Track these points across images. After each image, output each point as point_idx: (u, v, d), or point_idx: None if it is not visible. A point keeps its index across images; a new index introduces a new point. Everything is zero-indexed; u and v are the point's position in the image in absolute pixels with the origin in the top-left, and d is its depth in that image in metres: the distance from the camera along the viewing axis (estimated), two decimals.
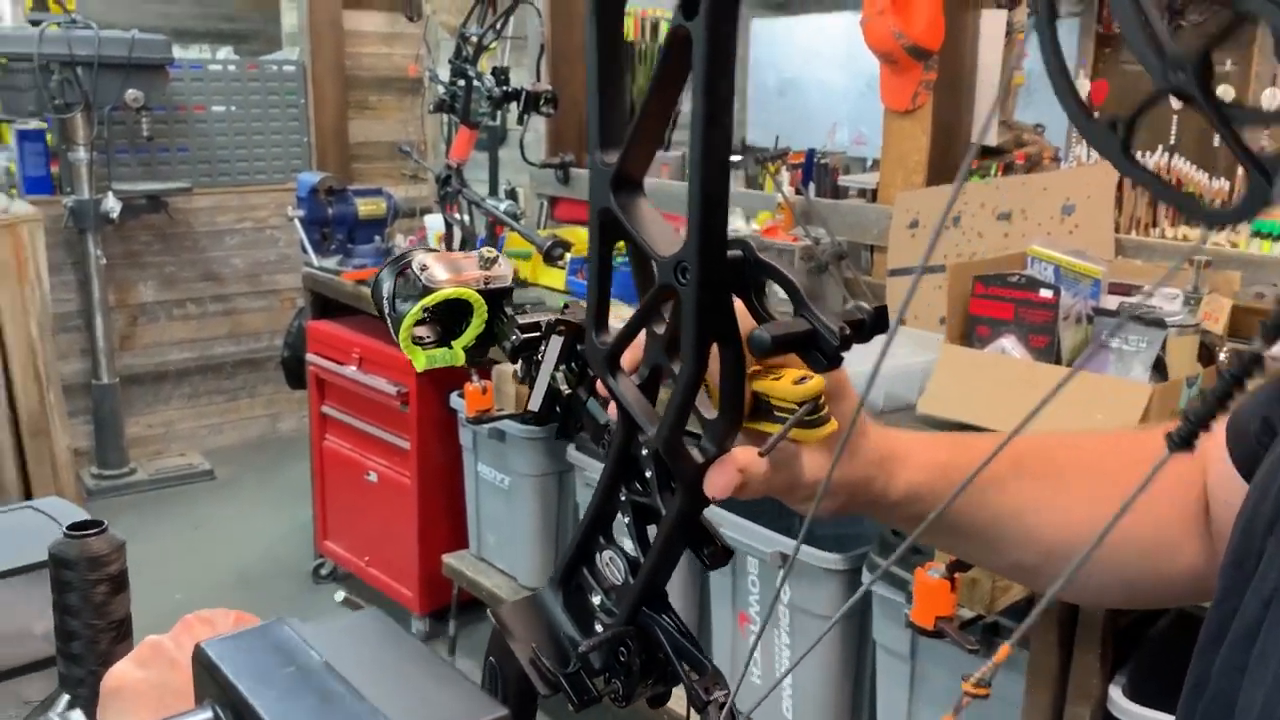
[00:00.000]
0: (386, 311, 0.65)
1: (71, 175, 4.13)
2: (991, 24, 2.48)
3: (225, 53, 5.21)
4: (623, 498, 0.59)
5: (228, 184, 4.72)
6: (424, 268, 0.63)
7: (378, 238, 3.40)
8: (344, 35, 4.92)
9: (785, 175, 3.37)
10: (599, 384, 0.58)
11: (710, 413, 0.54)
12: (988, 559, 0.79)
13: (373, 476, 3.26)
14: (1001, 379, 1.86)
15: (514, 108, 2.34)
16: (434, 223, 3.14)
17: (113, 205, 4.13)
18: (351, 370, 3.22)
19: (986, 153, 2.84)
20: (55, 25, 3.94)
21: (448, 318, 0.66)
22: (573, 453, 2.57)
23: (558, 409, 0.70)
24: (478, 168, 3.68)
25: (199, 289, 4.72)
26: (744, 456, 0.55)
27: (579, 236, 3.24)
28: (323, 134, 4.93)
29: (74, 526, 0.81)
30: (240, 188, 4.75)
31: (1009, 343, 1.92)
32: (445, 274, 0.63)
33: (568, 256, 2.53)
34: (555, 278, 3.06)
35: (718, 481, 0.54)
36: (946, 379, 1.91)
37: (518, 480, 2.75)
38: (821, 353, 0.49)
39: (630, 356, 0.56)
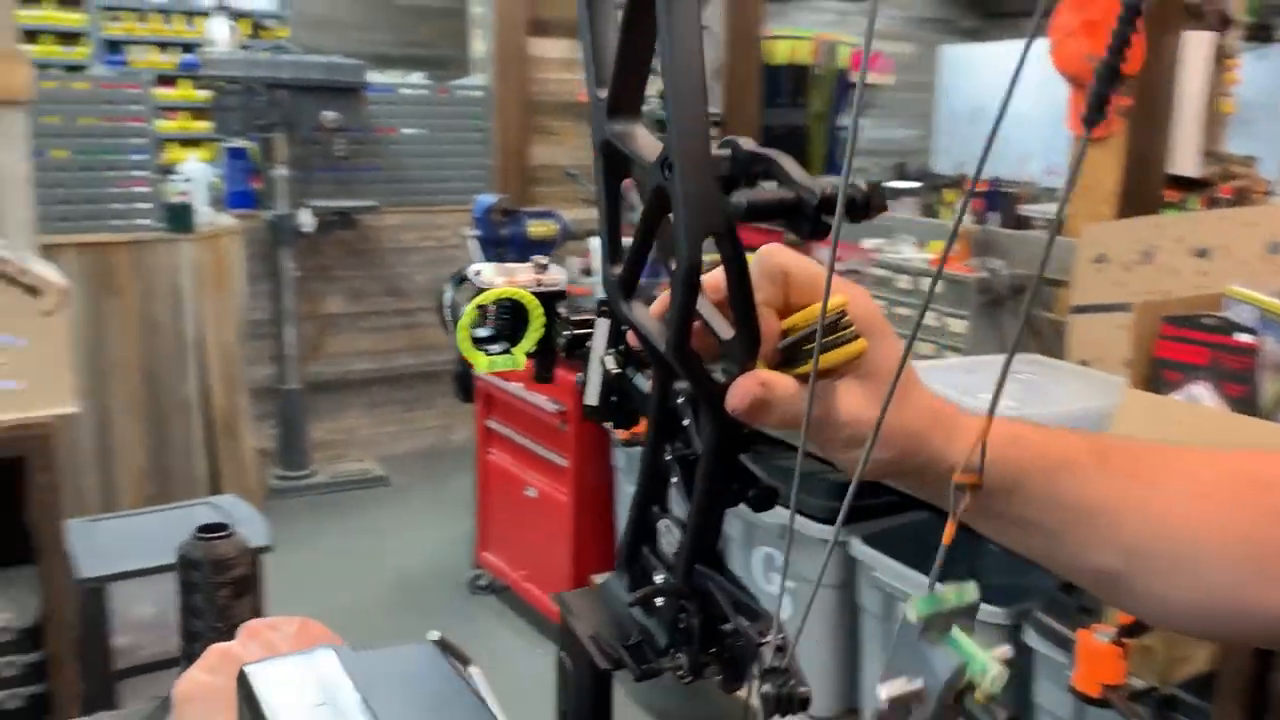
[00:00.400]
0: (446, 320, 0.65)
1: (271, 191, 4.39)
2: (1196, 47, 2.30)
3: (418, 77, 5.44)
4: (668, 456, 0.56)
5: (414, 203, 4.91)
6: (478, 273, 0.63)
7: (547, 258, 3.45)
8: (528, 62, 5.05)
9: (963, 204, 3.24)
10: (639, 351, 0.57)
11: (728, 333, 0.53)
12: (1060, 559, 0.67)
13: (532, 492, 3.30)
14: (1192, 429, 1.71)
15: None
16: (598, 247, 3.15)
17: (306, 220, 4.36)
18: (517, 387, 3.27)
19: (1188, 184, 2.64)
20: (263, 51, 4.20)
21: (510, 324, 0.65)
22: None
23: (613, 399, 0.65)
24: None
25: (383, 302, 4.92)
26: (768, 372, 0.53)
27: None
28: (505, 157, 5.07)
29: (203, 529, 0.83)
30: (425, 207, 4.93)
31: (1201, 390, 1.76)
32: (498, 277, 0.63)
33: None
34: None
35: (739, 392, 0.52)
36: (1129, 427, 1.77)
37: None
38: (804, 216, 0.48)
39: (661, 306, 0.54)
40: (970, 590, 0.41)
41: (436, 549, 4.03)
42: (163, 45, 5.59)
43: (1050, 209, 2.62)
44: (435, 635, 0.70)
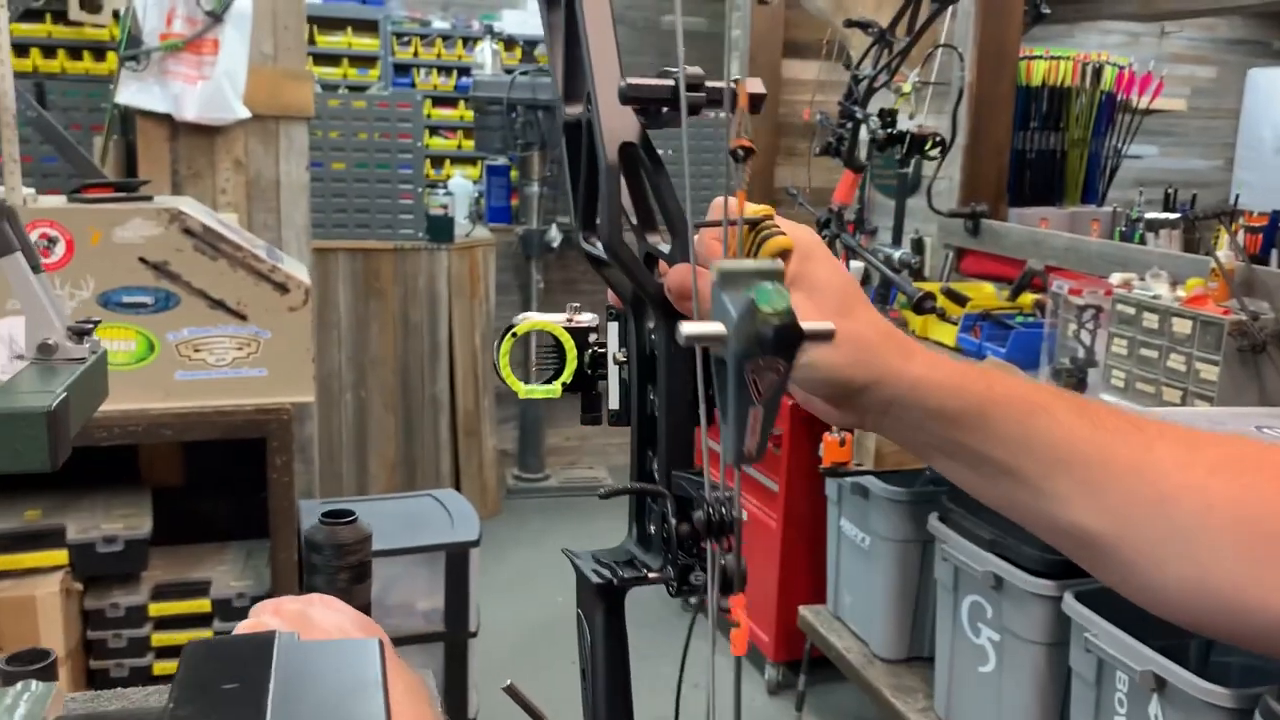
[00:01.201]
0: (494, 361, 0.70)
1: (526, 207, 4.61)
2: None
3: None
4: (651, 396, 0.61)
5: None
6: (515, 319, 0.69)
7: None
8: (781, 83, 5.04)
9: (1240, 238, 2.94)
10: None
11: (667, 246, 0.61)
12: (1034, 511, 0.60)
13: (743, 514, 3.27)
14: None
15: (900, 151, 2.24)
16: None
17: (555, 235, 4.54)
18: None
19: None
20: (524, 74, 4.42)
21: (556, 360, 0.68)
22: (934, 522, 2.40)
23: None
24: (885, 214, 3.59)
25: None
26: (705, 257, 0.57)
27: (983, 292, 3.04)
28: (753, 177, 5.08)
29: (329, 515, 0.88)
30: None
31: None
32: (533, 315, 0.68)
33: (958, 311, 2.37)
34: (947, 333, 2.89)
35: (673, 274, 0.58)
36: None
37: (878, 542, 2.62)
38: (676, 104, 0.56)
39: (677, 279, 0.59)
40: (771, 261, 0.49)
41: None
42: (443, 69, 6.00)
43: None
44: (507, 683, 0.76)
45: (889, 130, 2.17)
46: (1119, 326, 2.43)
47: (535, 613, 3.61)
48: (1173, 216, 2.61)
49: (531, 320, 0.67)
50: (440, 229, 4.12)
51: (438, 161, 5.61)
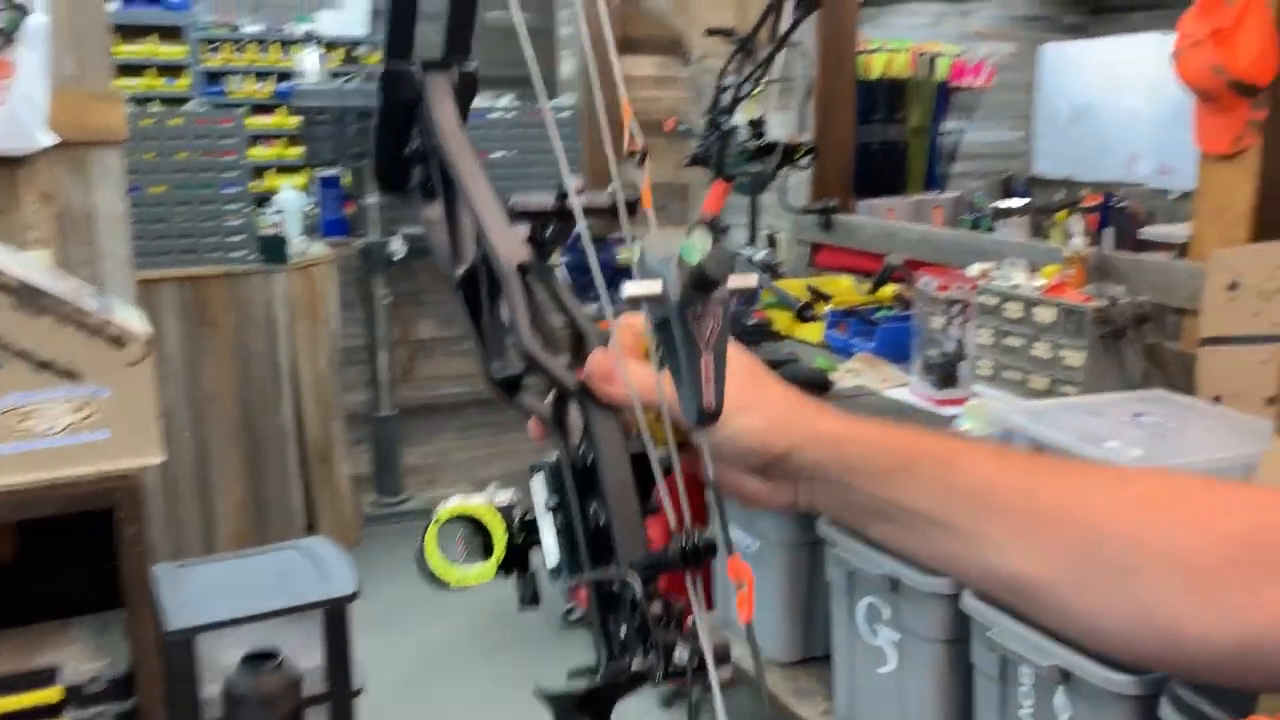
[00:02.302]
0: (421, 558, 0.66)
1: (363, 219, 4.40)
2: None
3: (507, 100, 5.41)
4: (594, 508, 0.61)
5: None
6: (437, 507, 0.66)
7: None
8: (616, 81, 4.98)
9: (1079, 222, 3.06)
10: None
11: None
12: (964, 560, 0.61)
13: None
14: None
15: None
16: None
17: (398, 248, 4.36)
18: None
19: None
20: (354, 79, 4.21)
21: (479, 542, 0.66)
22: (824, 525, 2.39)
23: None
24: (738, 211, 3.58)
25: None
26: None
27: (842, 286, 3.06)
28: (594, 178, 5.01)
29: (250, 658, 0.75)
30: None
31: None
32: (454, 499, 0.66)
33: (822, 308, 2.37)
34: (812, 331, 2.90)
35: (592, 361, 0.61)
36: (1275, 480, 1.60)
37: (768, 546, 2.60)
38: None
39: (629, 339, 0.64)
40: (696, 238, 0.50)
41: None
42: (259, 75, 5.68)
43: (1173, 231, 2.43)
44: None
45: (759, 141, 2.14)
46: (982, 317, 2.48)
47: (415, 648, 3.46)
48: (1019, 204, 2.67)
49: (453, 507, 0.65)
50: (273, 250, 3.88)
51: (259, 172, 5.31)
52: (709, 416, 0.50)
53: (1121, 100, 6.76)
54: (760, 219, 3.52)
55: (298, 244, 4.04)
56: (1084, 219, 3.07)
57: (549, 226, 0.67)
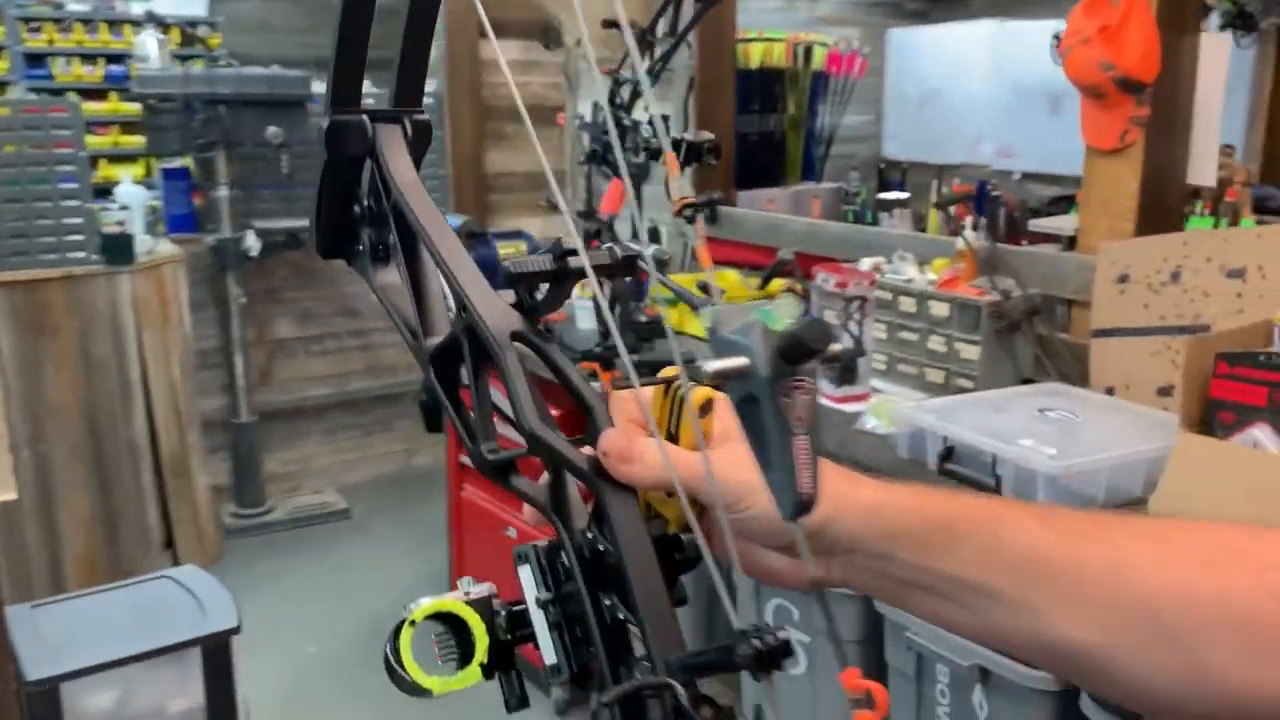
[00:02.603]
0: (393, 665, 0.60)
1: (214, 213, 4.13)
2: (1213, 50, 2.17)
3: (365, 86, 5.17)
4: (608, 601, 0.56)
5: None
6: (408, 606, 0.60)
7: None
8: (480, 65, 4.83)
9: (969, 215, 3.10)
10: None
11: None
12: (1011, 630, 0.59)
13: (512, 533, 3.11)
14: (1256, 478, 1.57)
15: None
16: None
17: (253, 243, 4.11)
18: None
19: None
20: (199, 63, 3.94)
21: (458, 642, 0.62)
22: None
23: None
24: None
25: (335, 324, 4.68)
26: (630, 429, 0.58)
27: (730, 281, 3.03)
28: (460, 165, 4.85)
29: None
30: None
31: (1262, 433, 1.63)
32: (425, 599, 0.61)
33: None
34: (703, 328, 2.85)
35: (606, 440, 0.56)
36: (1185, 474, 1.63)
37: None
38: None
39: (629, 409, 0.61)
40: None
41: (409, 587, 3.82)
42: (86, 57, 5.27)
43: (1060, 224, 2.49)
44: None
45: (662, 141, 2.06)
46: (877, 311, 2.48)
47: (292, 671, 3.27)
48: (903, 196, 2.69)
49: (427, 606, 0.60)
50: (117, 249, 3.59)
51: (92, 162, 4.93)
52: (804, 506, 0.44)
53: (964, 85, 6.99)
54: (642, 212, 3.45)
55: (144, 242, 3.75)
56: (955, 206, 3.11)
57: (536, 290, 0.61)
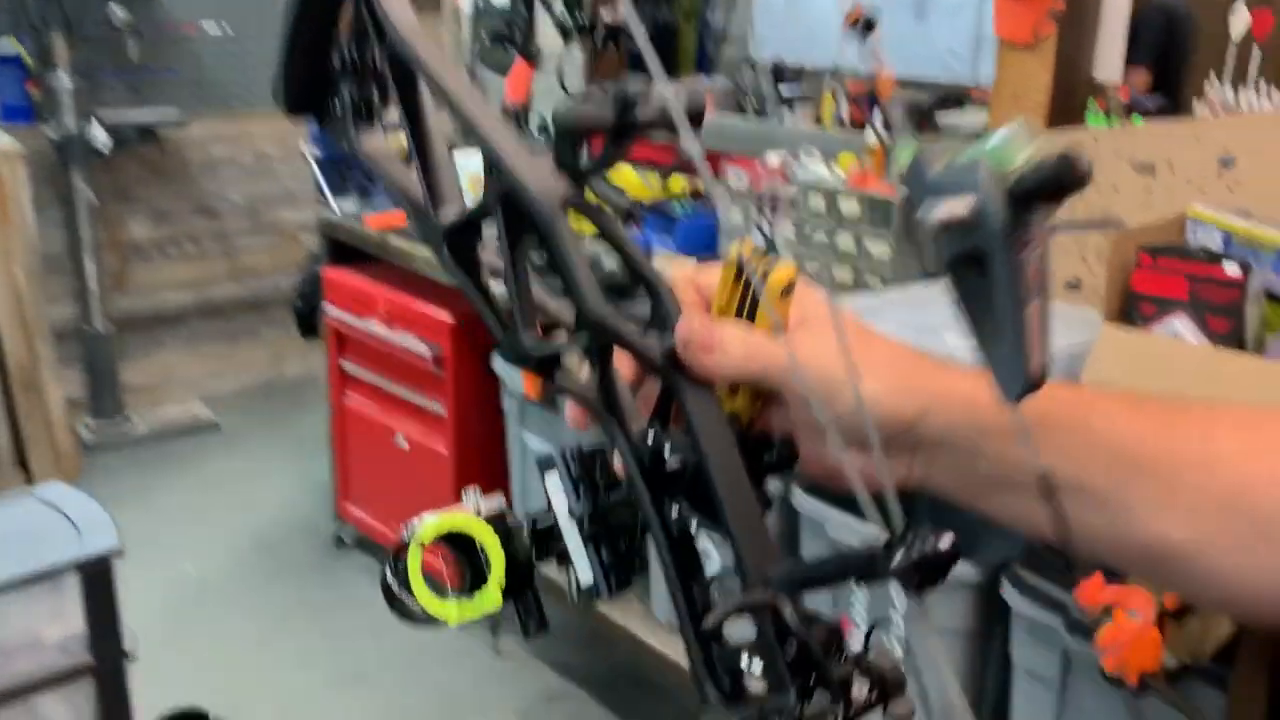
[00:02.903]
0: (396, 593, 0.54)
1: (53, 103, 3.76)
2: None
3: None
4: (675, 514, 0.50)
5: (222, 112, 4.34)
6: (409, 526, 0.54)
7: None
8: None
9: (844, 106, 3.07)
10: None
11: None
12: (1098, 529, 0.55)
13: (402, 441, 2.99)
14: (1176, 367, 1.60)
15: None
16: (470, 165, 2.81)
17: (101, 138, 3.77)
18: (377, 326, 2.92)
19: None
20: None
21: (468, 567, 0.55)
22: None
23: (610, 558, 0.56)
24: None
25: (195, 225, 4.38)
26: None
27: (629, 179, 2.93)
28: None
29: None
30: (236, 116, 4.37)
31: (1181, 324, 1.65)
32: (430, 515, 0.54)
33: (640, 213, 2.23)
34: None
35: (684, 329, 0.49)
36: (1108, 366, 1.65)
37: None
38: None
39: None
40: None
41: (289, 502, 3.67)
42: None
43: (968, 119, 2.47)
44: None
45: (576, 17, 1.93)
46: (788, 210, 2.44)
47: (167, 592, 3.10)
48: (800, 95, 2.63)
49: (434, 524, 0.54)
50: None
51: None
52: (1033, 385, 0.37)
53: None
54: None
55: None
56: (850, 105, 3.08)
57: (579, 147, 0.50)
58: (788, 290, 0.53)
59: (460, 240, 0.55)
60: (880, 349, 0.55)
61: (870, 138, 2.34)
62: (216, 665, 2.80)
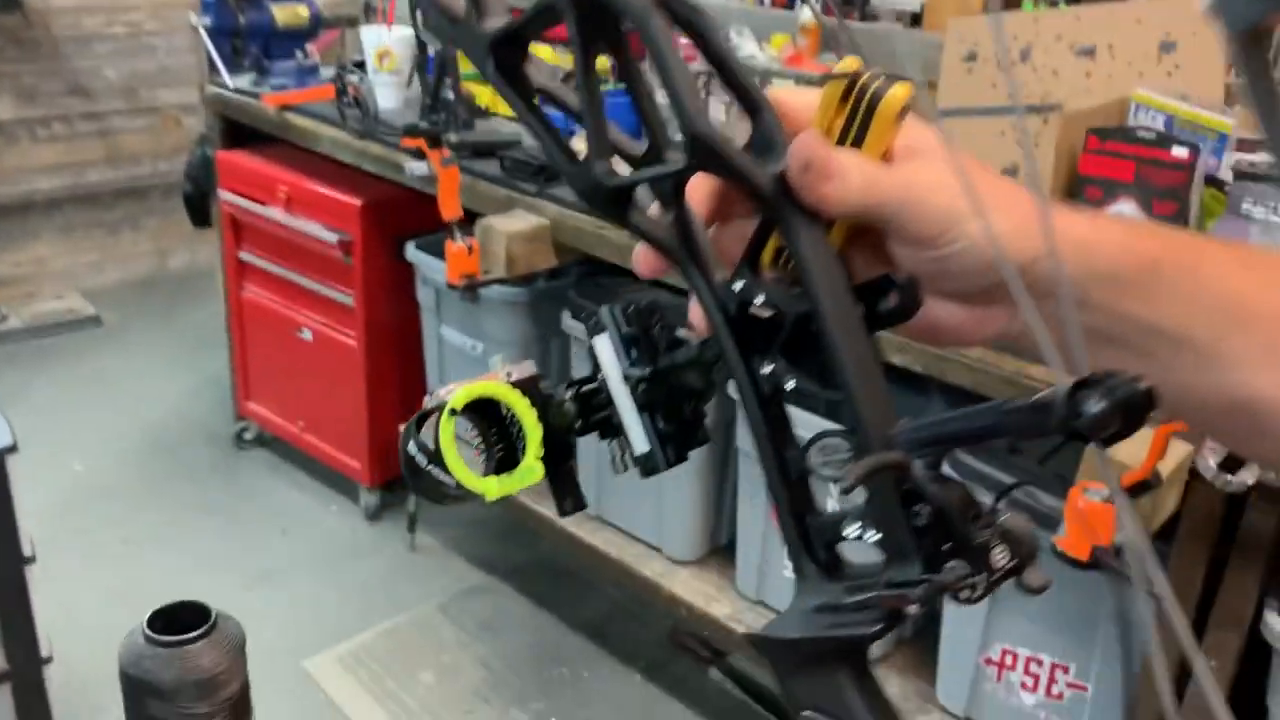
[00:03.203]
0: (424, 466, 0.48)
1: None
2: None
3: None
4: (768, 369, 0.45)
5: None
6: (433, 395, 0.50)
7: (299, 52, 2.87)
8: None
9: None
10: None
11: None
12: (1198, 381, 0.52)
13: (307, 334, 2.85)
14: None
15: None
16: (372, 38, 2.63)
17: None
18: (278, 213, 2.75)
19: None
20: None
21: (499, 439, 0.51)
22: (569, 321, 2.23)
23: (666, 425, 0.50)
24: None
25: (66, 105, 4.05)
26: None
27: (542, 55, 2.79)
28: None
29: (160, 618, 0.47)
30: None
31: (1127, 207, 1.65)
32: (453, 385, 0.50)
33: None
34: None
35: (798, 150, 0.43)
36: None
37: (494, 348, 2.40)
38: None
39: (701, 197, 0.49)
40: None
41: (182, 399, 3.50)
42: None
43: (904, 0, 2.40)
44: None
45: None
46: (715, 92, 2.35)
47: (57, 492, 2.93)
48: None
49: (466, 390, 0.49)
50: None
51: None
52: None
53: None
54: None
55: None
56: None
57: None
58: (903, 114, 0.46)
59: (507, 54, 0.46)
60: (1001, 185, 0.50)
61: (805, 15, 2.26)
62: (116, 569, 2.66)
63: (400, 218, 2.62)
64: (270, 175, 2.77)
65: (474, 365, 2.47)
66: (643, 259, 0.49)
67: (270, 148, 2.88)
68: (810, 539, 0.45)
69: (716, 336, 0.46)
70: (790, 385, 0.45)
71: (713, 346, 0.48)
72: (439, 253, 2.36)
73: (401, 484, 2.88)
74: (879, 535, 0.42)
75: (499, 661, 2.42)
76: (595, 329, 0.51)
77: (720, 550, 2.23)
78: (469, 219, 2.15)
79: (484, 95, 2.66)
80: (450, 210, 2.04)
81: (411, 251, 2.50)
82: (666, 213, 0.46)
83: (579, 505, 0.55)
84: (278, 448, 3.18)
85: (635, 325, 0.51)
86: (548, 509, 2.36)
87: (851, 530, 0.43)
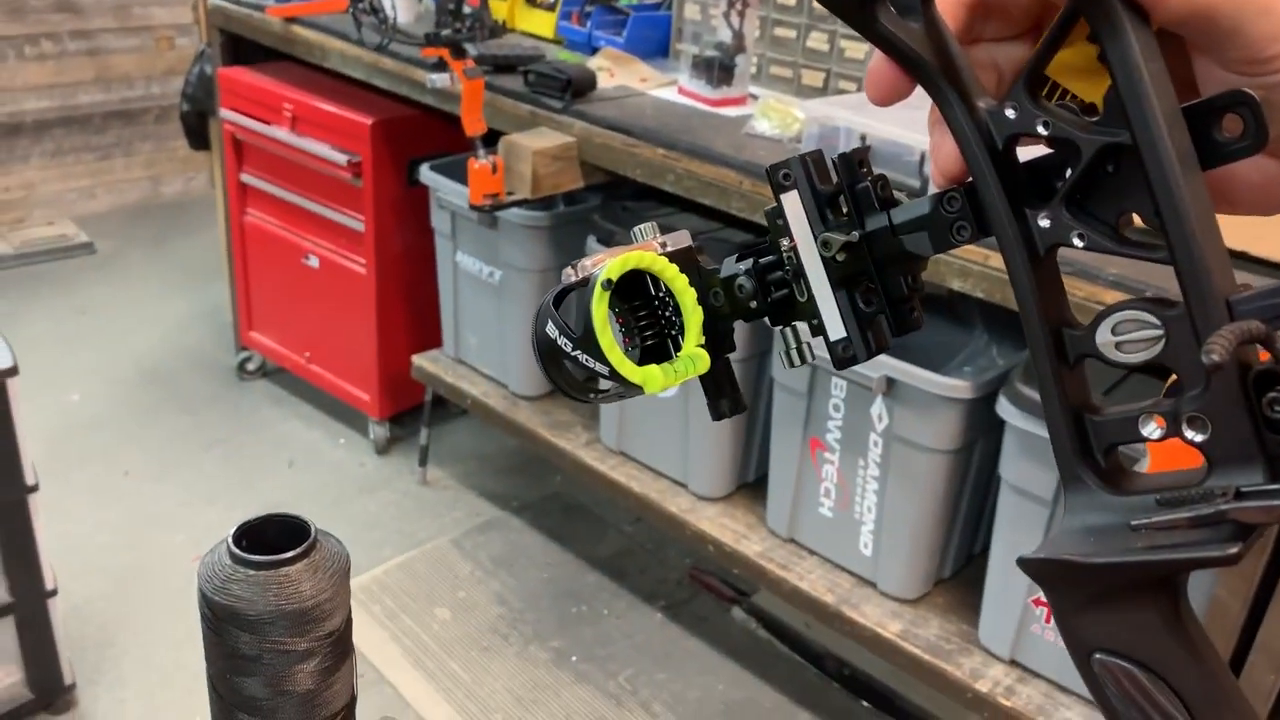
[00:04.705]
0: (569, 352, 0.41)
1: None
2: None
3: None
4: (1046, 222, 0.37)
5: None
6: (575, 265, 0.43)
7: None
8: None
9: None
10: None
11: None
12: None
13: (313, 261, 2.74)
14: None
15: None
16: None
17: None
18: (283, 132, 2.63)
19: None
20: None
21: (650, 321, 0.44)
22: (594, 244, 2.12)
23: (870, 306, 0.42)
24: None
25: (54, 22, 3.88)
26: None
27: None
28: None
29: (245, 534, 0.38)
30: None
31: None
32: (600, 254, 0.43)
33: None
34: (542, 23, 2.50)
35: None
36: None
37: (513, 275, 2.30)
38: None
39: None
40: None
41: (179, 328, 3.39)
42: None
43: None
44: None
45: None
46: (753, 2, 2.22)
47: (55, 421, 2.83)
48: None
49: (621, 258, 0.42)
50: None
51: None
52: None
53: None
54: None
55: None
56: None
57: None
58: None
59: None
60: None
61: None
62: (117, 500, 2.58)
63: (413, 138, 2.51)
64: (275, 93, 2.64)
65: (490, 293, 2.37)
66: (880, 77, 0.39)
67: (275, 64, 2.76)
68: (1088, 441, 0.36)
69: (974, 179, 0.37)
70: (1078, 243, 0.36)
71: (953, 201, 0.38)
72: (454, 175, 2.26)
73: (407, 418, 2.80)
74: (1203, 435, 0.33)
75: (515, 598, 2.36)
76: (781, 187, 0.42)
77: (747, 487, 2.15)
78: (490, 138, 2.04)
79: (501, 9, 2.54)
80: (474, 125, 1.93)
81: (426, 173, 2.38)
82: (908, 20, 0.36)
83: (738, 407, 0.46)
84: (281, 379, 3.08)
85: (841, 178, 0.42)
86: (566, 441, 2.27)
87: (1152, 429, 0.35)
